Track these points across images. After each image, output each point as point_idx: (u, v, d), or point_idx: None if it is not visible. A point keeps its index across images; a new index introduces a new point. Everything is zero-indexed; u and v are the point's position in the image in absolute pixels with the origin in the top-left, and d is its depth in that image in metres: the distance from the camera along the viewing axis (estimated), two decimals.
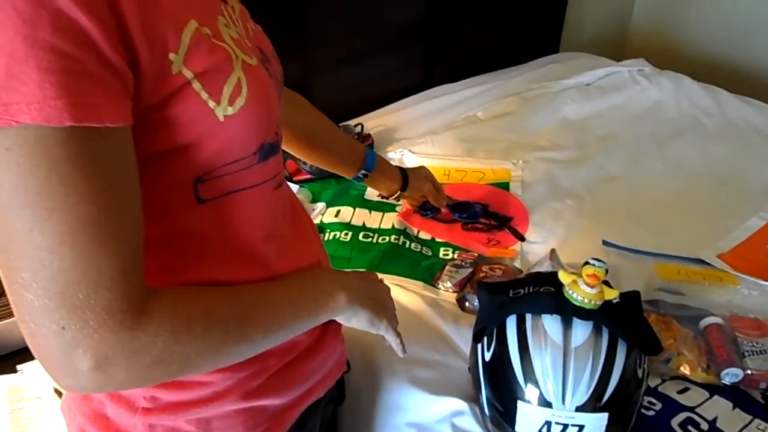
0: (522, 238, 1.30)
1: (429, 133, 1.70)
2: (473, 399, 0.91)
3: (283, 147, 0.99)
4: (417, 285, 1.16)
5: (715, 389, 0.96)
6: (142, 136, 0.49)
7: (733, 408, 0.93)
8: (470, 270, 1.19)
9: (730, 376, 0.95)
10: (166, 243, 0.57)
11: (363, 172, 1.16)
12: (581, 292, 0.79)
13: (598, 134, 1.73)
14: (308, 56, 1.76)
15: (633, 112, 1.85)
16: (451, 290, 1.16)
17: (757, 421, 0.91)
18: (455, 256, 1.26)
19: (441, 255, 1.27)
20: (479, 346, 0.87)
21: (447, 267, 1.21)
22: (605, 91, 1.94)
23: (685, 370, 0.98)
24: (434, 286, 1.17)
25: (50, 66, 0.40)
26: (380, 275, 1.14)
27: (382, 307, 0.77)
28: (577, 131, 1.74)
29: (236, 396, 0.65)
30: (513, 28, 2.31)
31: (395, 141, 1.69)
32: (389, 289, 0.83)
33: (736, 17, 2.42)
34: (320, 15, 1.71)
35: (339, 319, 0.72)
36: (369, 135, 1.66)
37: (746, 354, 0.98)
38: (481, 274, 1.17)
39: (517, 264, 1.23)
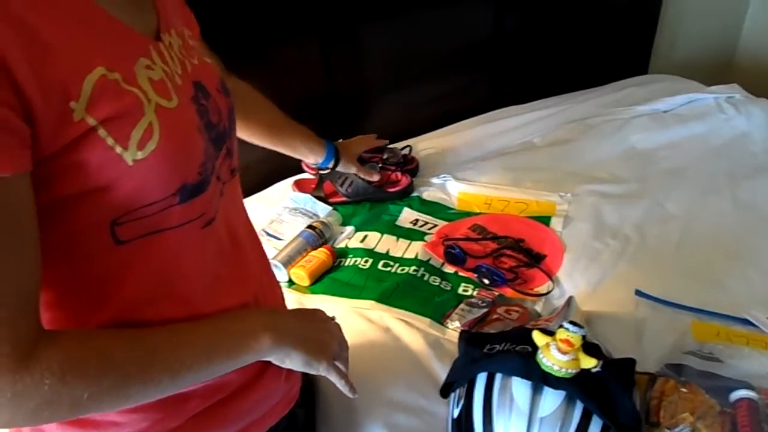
0: (551, 279, 1.22)
1: (478, 159, 1.64)
2: None
3: (249, 140, 1.15)
4: (424, 322, 1.12)
5: None
6: (49, 181, 0.50)
7: None
8: (485, 310, 1.13)
9: None
10: (84, 284, 0.58)
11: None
12: (551, 358, 0.72)
13: (665, 167, 1.58)
14: (365, 75, 1.76)
15: (711, 144, 1.68)
16: (459, 330, 1.10)
17: None
18: (474, 293, 1.20)
19: (460, 291, 1.21)
20: (451, 400, 0.82)
21: (461, 305, 1.15)
22: (683, 119, 1.78)
23: None
24: (442, 324, 1.12)
25: None
26: (388, 308, 1.14)
27: (321, 347, 0.75)
28: (642, 163, 1.61)
29: None
30: (595, 46, 2.17)
31: (442, 165, 1.65)
32: (337, 327, 0.81)
33: None
34: (377, 34, 1.70)
35: (272, 360, 0.70)
36: (414, 158, 1.63)
37: None
38: (494, 316, 1.11)
39: (538, 308, 1.15)
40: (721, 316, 1.09)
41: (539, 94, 2.03)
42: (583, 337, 0.72)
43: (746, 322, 1.08)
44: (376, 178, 1.48)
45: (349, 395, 0.78)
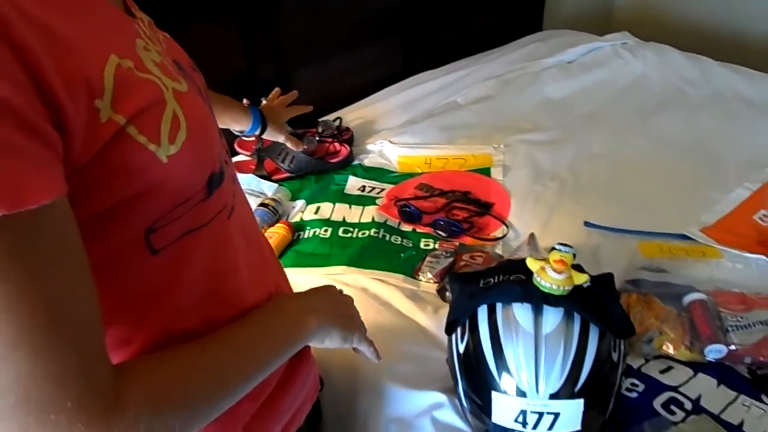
0: (504, 224, 1.29)
1: (408, 123, 1.68)
2: (452, 391, 0.90)
3: None
4: (397, 278, 1.15)
5: (699, 367, 0.94)
6: (80, 196, 0.43)
7: (718, 385, 0.91)
8: (451, 260, 1.18)
9: (714, 352, 0.94)
10: (123, 305, 0.52)
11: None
12: (549, 279, 0.77)
13: (581, 113, 1.71)
14: (283, 52, 1.74)
15: (616, 87, 1.82)
16: (431, 281, 1.14)
17: (742, 397, 0.89)
18: (436, 246, 1.24)
19: (422, 246, 1.25)
20: (453, 338, 0.86)
21: (427, 258, 1.19)
22: (587, 67, 1.91)
23: (667, 348, 0.96)
24: (415, 277, 1.16)
25: None
26: (360, 271, 1.16)
27: (351, 320, 0.74)
28: (559, 111, 1.72)
29: None
30: (493, 8, 2.28)
31: (375, 133, 1.68)
32: (352, 299, 0.80)
33: None
34: (292, 9, 1.69)
35: (312, 343, 0.68)
36: (348, 128, 1.65)
37: (730, 329, 0.97)
38: (462, 263, 1.16)
39: (498, 250, 1.22)
40: (661, 235, 1.20)
41: (449, 59, 2.10)
42: (574, 255, 0.78)
43: (683, 237, 1.20)
44: (300, 148, 1.46)
45: (376, 361, 0.79)
